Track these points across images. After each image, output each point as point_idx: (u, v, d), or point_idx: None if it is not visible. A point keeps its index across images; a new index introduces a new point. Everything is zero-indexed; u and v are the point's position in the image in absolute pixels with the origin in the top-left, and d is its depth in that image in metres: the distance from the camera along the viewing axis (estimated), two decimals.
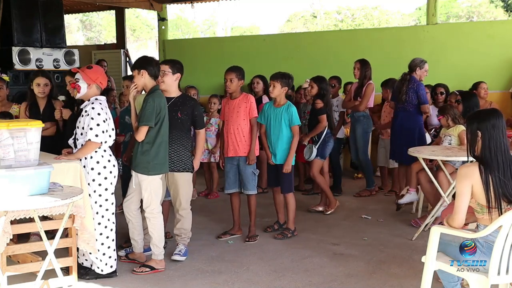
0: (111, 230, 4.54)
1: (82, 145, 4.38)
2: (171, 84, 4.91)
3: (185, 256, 4.99)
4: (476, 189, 3.31)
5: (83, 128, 4.37)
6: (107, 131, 4.36)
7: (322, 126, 6.48)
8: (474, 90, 7.39)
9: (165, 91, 4.87)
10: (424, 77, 6.84)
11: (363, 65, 7.18)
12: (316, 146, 6.43)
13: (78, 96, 4.47)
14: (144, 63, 4.66)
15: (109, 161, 4.43)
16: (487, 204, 3.28)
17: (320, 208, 6.60)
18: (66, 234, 4.26)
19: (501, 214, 3.23)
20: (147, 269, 4.66)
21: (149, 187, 4.63)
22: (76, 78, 4.46)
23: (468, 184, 3.30)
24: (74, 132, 4.50)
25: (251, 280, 4.53)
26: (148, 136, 4.56)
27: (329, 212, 6.51)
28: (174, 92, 4.96)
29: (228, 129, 5.48)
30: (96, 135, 4.29)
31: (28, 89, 5.72)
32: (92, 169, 4.38)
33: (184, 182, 4.99)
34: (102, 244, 4.48)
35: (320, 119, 6.46)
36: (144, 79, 4.61)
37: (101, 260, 4.49)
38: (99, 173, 4.40)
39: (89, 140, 4.29)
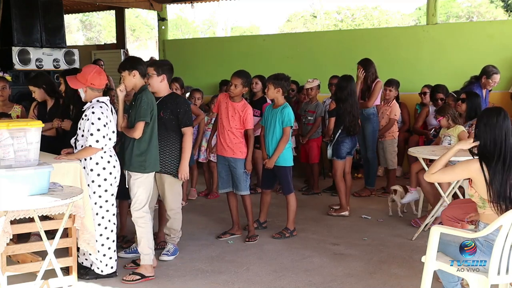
0: (111, 231, 4.53)
1: (82, 146, 4.39)
2: (157, 86, 4.87)
3: (173, 256, 4.98)
4: (479, 183, 3.38)
5: (83, 131, 4.38)
6: (107, 135, 4.36)
7: (328, 129, 6.63)
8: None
9: (154, 92, 4.83)
10: (490, 87, 6.86)
11: (366, 67, 7.13)
12: (330, 146, 6.52)
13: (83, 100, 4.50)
14: (134, 63, 4.63)
15: (108, 162, 4.42)
16: (488, 199, 3.34)
17: (344, 213, 6.51)
18: (66, 234, 4.27)
19: (503, 209, 3.29)
20: (138, 277, 4.52)
21: (142, 185, 4.59)
22: None
23: (466, 175, 3.51)
24: (77, 132, 4.50)
25: (251, 280, 4.53)
26: (144, 135, 4.54)
27: (334, 214, 6.49)
28: (163, 92, 4.92)
29: (219, 128, 5.53)
30: (97, 141, 4.30)
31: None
32: (92, 170, 4.38)
33: (170, 184, 4.94)
34: (102, 245, 4.47)
35: (327, 121, 6.66)
36: (135, 80, 4.58)
37: (101, 261, 4.48)
38: (98, 175, 4.39)
39: (90, 146, 4.30)
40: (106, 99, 4.47)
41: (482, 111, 3.74)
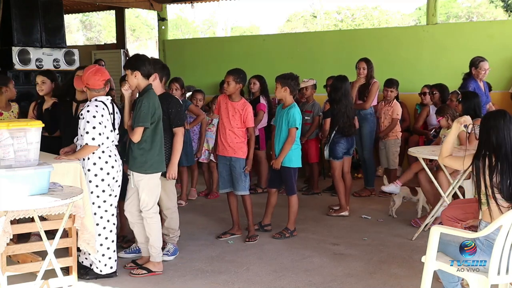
0: (111, 231, 4.53)
1: (81, 146, 4.40)
2: None
3: (173, 255, 4.98)
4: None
5: (81, 129, 4.39)
6: (104, 133, 4.36)
7: (324, 130, 6.64)
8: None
9: None
10: (483, 76, 6.77)
11: (369, 64, 7.18)
12: (327, 146, 6.52)
13: None
14: (137, 63, 4.58)
15: (106, 162, 4.41)
16: (491, 195, 3.36)
17: (344, 213, 6.49)
18: (66, 234, 4.26)
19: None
20: (144, 272, 4.61)
21: (146, 186, 4.59)
22: None
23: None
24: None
25: (251, 280, 4.53)
26: (145, 135, 4.53)
27: (334, 215, 6.48)
28: (156, 92, 4.83)
29: (220, 128, 5.54)
30: (93, 138, 4.30)
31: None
32: (89, 170, 4.38)
33: (163, 184, 4.91)
34: (101, 245, 4.47)
35: (323, 122, 6.67)
36: (137, 80, 4.54)
37: (100, 261, 4.48)
38: (95, 175, 4.39)
39: (86, 144, 4.31)
40: (106, 98, 4.46)
41: (487, 113, 3.76)
